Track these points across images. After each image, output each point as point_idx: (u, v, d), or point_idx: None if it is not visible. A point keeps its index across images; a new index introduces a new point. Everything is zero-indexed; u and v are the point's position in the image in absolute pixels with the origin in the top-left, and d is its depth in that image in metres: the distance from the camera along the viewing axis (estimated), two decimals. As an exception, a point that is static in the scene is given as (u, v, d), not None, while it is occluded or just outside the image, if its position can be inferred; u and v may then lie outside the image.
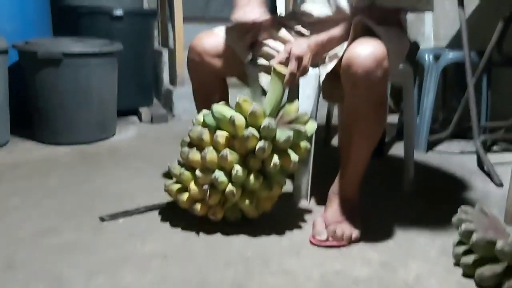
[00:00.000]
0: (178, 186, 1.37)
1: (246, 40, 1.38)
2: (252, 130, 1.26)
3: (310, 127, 1.36)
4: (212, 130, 1.31)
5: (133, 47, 2.56)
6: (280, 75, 1.30)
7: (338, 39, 1.36)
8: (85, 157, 2.00)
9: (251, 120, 1.27)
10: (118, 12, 2.51)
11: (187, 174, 1.33)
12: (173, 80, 2.81)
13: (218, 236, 1.33)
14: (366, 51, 1.21)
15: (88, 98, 2.16)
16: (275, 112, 1.35)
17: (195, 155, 1.31)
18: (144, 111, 2.66)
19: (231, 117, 1.26)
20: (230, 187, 1.29)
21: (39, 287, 1.10)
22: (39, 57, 2.03)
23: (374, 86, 1.23)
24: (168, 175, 1.43)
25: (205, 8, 4.21)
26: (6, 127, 2.14)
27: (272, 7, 1.72)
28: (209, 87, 1.53)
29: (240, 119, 1.26)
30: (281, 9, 1.77)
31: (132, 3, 2.66)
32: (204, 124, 1.33)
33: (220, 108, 1.31)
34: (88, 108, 2.17)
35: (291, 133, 1.27)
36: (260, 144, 1.26)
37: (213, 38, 1.48)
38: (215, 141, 1.28)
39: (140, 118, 2.64)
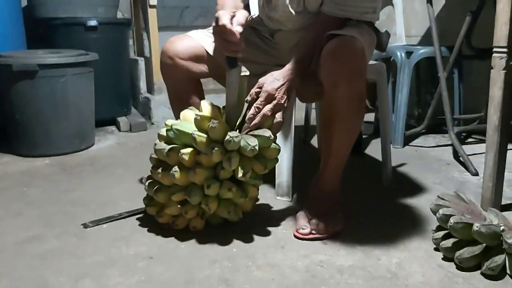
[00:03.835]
0: (155, 207, 1.37)
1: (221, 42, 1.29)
2: (214, 145, 1.24)
3: (275, 129, 1.30)
4: (177, 147, 1.29)
5: (109, 57, 2.56)
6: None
7: (308, 57, 1.34)
8: (65, 168, 1.99)
9: (213, 135, 1.25)
10: (92, 22, 2.51)
11: (160, 195, 1.32)
12: (150, 88, 2.82)
13: (202, 236, 1.34)
14: (344, 49, 1.24)
15: (65, 109, 2.15)
16: (239, 116, 1.32)
17: (164, 175, 1.30)
18: (122, 120, 2.65)
19: (192, 134, 1.25)
20: (204, 201, 1.30)
21: (25, 293, 1.09)
22: (14, 69, 2.02)
23: (354, 82, 1.26)
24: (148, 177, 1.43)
25: (180, 18, 4.22)
26: (-17, 141, 2.12)
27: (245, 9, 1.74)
28: (184, 90, 1.54)
29: (201, 136, 1.25)
30: (254, 11, 1.79)
31: (106, 13, 2.66)
32: (168, 140, 1.32)
33: (180, 124, 1.29)
34: (65, 119, 2.16)
35: (255, 142, 1.25)
36: (226, 157, 1.25)
37: (185, 41, 1.49)
38: (181, 158, 1.27)
39: (118, 128, 2.64)
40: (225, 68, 1.30)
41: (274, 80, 1.26)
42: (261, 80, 1.28)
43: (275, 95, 1.26)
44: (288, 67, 1.31)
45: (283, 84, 1.27)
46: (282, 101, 1.27)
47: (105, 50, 2.52)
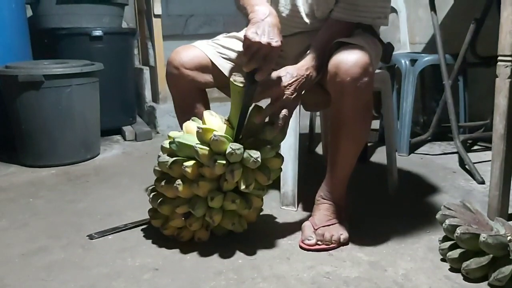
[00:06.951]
0: (159, 219, 1.38)
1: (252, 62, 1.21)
2: (217, 158, 1.23)
3: (278, 138, 1.31)
4: (180, 160, 1.28)
5: (114, 66, 2.58)
6: (238, 88, 1.24)
7: (320, 58, 1.34)
8: (71, 178, 1.99)
9: (215, 147, 1.24)
10: (97, 32, 2.53)
11: (164, 207, 1.32)
12: (155, 97, 2.83)
13: (207, 247, 1.34)
14: (352, 59, 1.24)
15: (71, 119, 2.16)
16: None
17: (167, 188, 1.30)
18: (127, 129, 2.66)
19: (194, 147, 1.24)
20: (208, 213, 1.29)
21: (31, 306, 1.09)
22: (20, 80, 2.03)
23: (361, 92, 1.26)
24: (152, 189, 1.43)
25: (184, 26, 4.24)
26: (-11, 152, 2.13)
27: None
28: (189, 100, 1.54)
29: (203, 149, 1.24)
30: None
31: (111, 23, 2.68)
32: (171, 152, 1.32)
33: (182, 137, 1.29)
34: (71, 128, 2.17)
35: (258, 154, 1.24)
36: (229, 169, 1.24)
37: (191, 51, 1.49)
38: (184, 171, 1.26)
39: (124, 137, 2.64)
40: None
41: (286, 74, 1.27)
42: (274, 73, 1.27)
43: (284, 91, 1.26)
44: (302, 63, 1.31)
45: (295, 80, 1.27)
46: (292, 97, 1.27)
47: (110, 59, 2.53)
